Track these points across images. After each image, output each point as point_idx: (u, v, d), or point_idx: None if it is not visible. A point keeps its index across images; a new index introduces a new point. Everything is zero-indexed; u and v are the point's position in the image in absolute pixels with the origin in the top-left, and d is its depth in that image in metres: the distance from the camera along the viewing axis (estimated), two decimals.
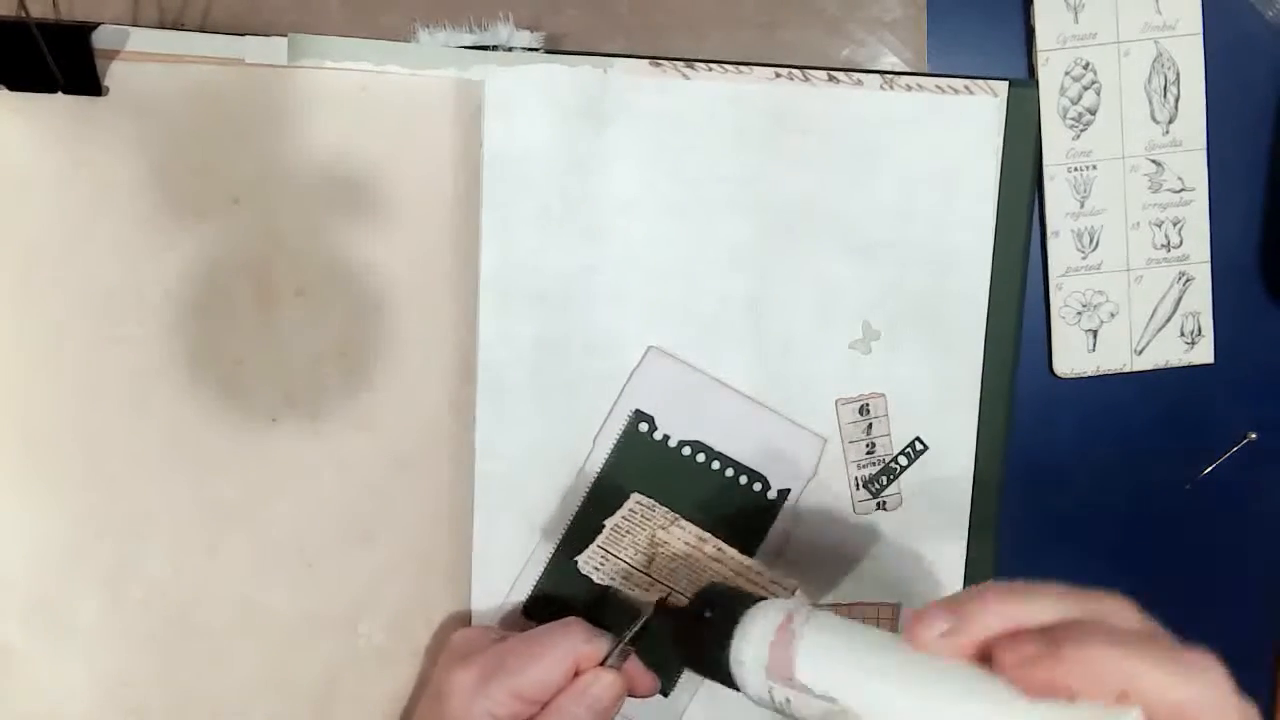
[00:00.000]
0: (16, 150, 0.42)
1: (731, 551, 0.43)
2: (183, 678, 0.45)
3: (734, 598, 0.37)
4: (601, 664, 0.40)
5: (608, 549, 0.43)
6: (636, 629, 0.41)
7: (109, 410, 0.43)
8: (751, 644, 0.33)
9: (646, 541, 0.43)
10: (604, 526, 0.43)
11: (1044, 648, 0.28)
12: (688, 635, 0.38)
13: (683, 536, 0.43)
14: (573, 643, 0.40)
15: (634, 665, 0.41)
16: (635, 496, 0.44)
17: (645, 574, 0.43)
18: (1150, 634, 0.30)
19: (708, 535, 0.43)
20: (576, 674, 0.39)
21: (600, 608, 0.46)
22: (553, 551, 0.47)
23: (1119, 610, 0.30)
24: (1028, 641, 0.28)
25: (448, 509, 0.46)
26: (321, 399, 0.45)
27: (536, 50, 0.45)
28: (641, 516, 0.43)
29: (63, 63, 0.41)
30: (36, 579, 0.44)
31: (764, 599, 0.36)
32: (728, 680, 0.35)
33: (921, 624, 0.30)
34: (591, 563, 0.43)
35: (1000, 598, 0.29)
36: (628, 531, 0.43)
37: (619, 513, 0.43)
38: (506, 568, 0.46)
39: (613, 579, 0.43)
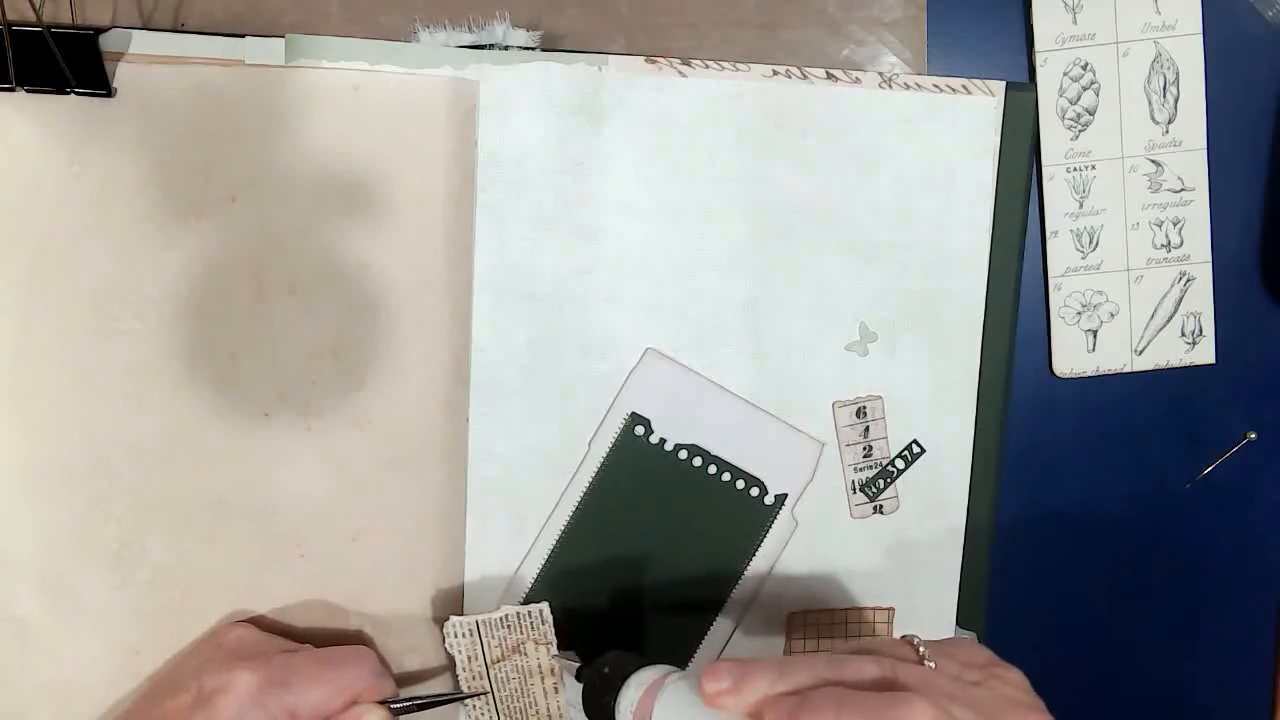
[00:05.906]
0: (26, 150, 0.42)
1: (561, 699, 0.45)
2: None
3: (626, 661, 0.40)
4: (382, 703, 0.41)
5: (480, 628, 0.44)
6: (439, 698, 0.43)
7: (110, 402, 0.44)
8: (631, 689, 0.38)
9: (513, 646, 0.44)
10: (499, 608, 0.44)
11: (789, 711, 0.31)
12: (588, 686, 0.41)
13: (542, 662, 0.44)
14: (362, 673, 0.41)
15: None
16: (543, 606, 0.44)
17: (484, 667, 0.44)
18: (878, 690, 0.32)
19: (565, 679, 0.44)
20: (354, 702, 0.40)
21: (592, 617, 0.47)
22: (546, 556, 0.47)
23: (861, 669, 0.33)
24: (781, 705, 0.32)
25: (440, 510, 0.46)
26: (314, 396, 0.45)
27: (532, 49, 0.45)
28: (530, 625, 0.44)
29: (73, 65, 0.41)
30: (47, 560, 0.44)
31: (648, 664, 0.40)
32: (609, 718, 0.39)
33: (708, 677, 0.34)
34: (456, 629, 0.44)
35: (765, 668, 0.33)
36: (508, 627, 0.44)
37: (518, 608, 0.44)
38: (499, 571, 0.46)
39: (459, 652, 0.44)
